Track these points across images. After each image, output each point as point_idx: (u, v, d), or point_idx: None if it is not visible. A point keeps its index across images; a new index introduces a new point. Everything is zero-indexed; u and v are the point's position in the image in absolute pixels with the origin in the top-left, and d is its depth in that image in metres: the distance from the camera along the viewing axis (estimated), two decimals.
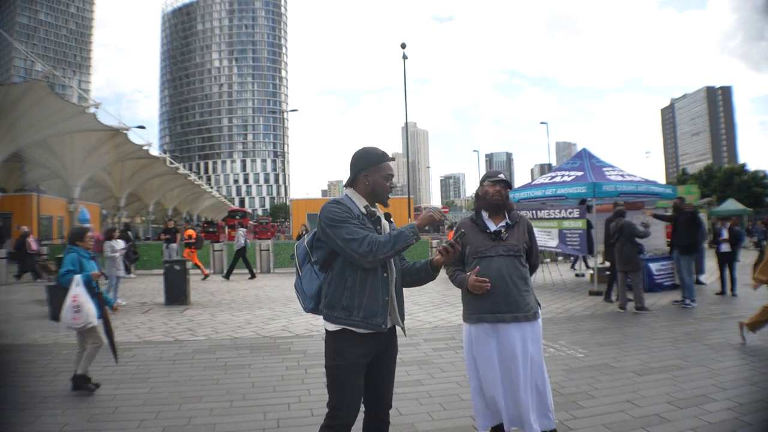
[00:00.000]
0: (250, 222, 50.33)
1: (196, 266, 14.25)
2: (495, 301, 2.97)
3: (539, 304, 3.15)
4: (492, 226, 3.12)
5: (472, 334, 3.07)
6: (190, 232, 14.90)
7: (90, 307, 4.42)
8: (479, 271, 2.95)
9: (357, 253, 2.22)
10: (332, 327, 2.33)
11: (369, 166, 2.40)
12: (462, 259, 3.16)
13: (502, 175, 3.16)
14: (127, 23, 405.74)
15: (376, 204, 2.50)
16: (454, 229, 3.07)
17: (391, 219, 2.57)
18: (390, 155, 2.50)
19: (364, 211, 2.38)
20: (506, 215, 3.16)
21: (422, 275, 2.53)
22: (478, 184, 3.27)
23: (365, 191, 2.42)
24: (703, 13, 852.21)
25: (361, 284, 2.30)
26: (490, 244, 3.06)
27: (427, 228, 2.49)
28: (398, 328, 2.51)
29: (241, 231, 14.79)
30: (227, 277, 14.28)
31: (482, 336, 3.02)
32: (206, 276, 14.48)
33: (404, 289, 2.59)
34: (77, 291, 4.39)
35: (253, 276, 14.36)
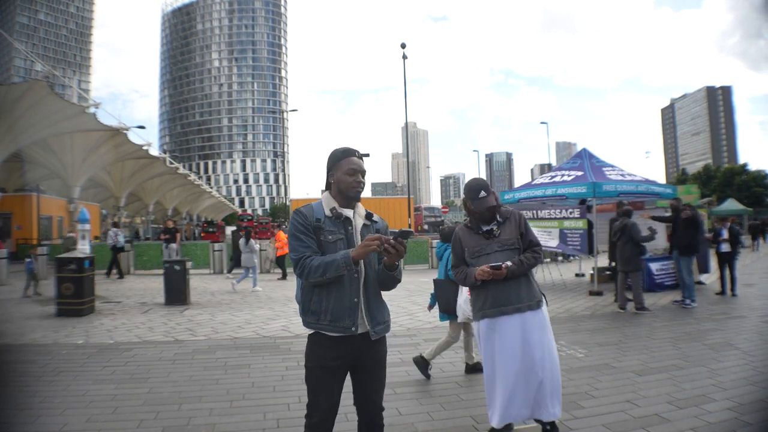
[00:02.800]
0: (254, 223, 50.30)
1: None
2: (496, 296, 3.11)
3: (543, 294, 3.26)
4: (484, 227, 3.25)
5: (481, 330, 3.21)
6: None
7: None
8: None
9: (294, 272, 2.34)
10: (308, 330, 2.39)
11: (333, 166, 2.43)
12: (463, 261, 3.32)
13: (483, 193, 3.17)
14: (125, 23, 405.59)
15: (358, 203, 2.47)
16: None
17: (374, 218, 2.50)
18: (363, 152, 2.47)
19: (329, 213, 2.38)
20: (496, 215, 3.27)
21: (383, 277, 2.41)
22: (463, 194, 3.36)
23: (335, 191, 2.44)
24: (699, 12, 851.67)
25: (328, 287, 2.31)
26: (485, 243, 3.21)
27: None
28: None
29: (114, 231, 14.88)
30: (108, 275, 14.39)
31: (489, 331, 3.15)
32: None
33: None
34: None
35: (109, 274, 14.36)
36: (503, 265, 3.02)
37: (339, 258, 2.23)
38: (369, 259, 2.39)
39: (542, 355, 3.07)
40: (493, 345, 3.13)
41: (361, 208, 2.49)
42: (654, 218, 9.93)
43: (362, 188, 2.43)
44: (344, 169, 2.40)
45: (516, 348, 3.05)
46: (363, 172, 2.43)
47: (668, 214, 9.92)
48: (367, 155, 2.66)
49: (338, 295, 2.31)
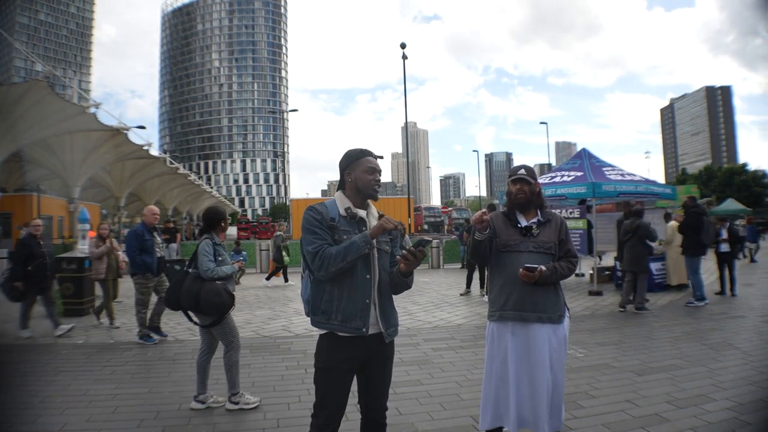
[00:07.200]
0: (251, 225, 51.94)
1: None
2: (520, 298, 2.88)
3: (567, 307, 3.03)
4: (523, 221, 3.02)
5: (494, 332, 3.00)
6: None
7: None
8: (508, 269, 2.89)
9: (311, 266, 2.29)
10: (319, 330, 2.37)
11: (350, 164, 2.43)
12: (490, 251, 3.03)
13: (523, 171, 3.01)
14: (119, 22, 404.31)
15: (369, 202, 2.48)
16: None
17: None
18: (377, 153, 2.47)
19: (344, 213, 2.37)
20: (538, 212, 3.04)
21: (396, 281, 2.42)
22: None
23: (352, 190, 2.43)
24: (693, 11, 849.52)
25: (339, 287, 2.30)
26: (520, 239, 2.96)
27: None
28: (399, 331, 2.48)
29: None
30: None
31: (502, 333, 2.95)
32: None
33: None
34: None
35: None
36: (538, 269, 2.78)
37: (357, 238, 2.24)
38: (382, 262, 2.40)
39: (548, 373, 2.84)
40: (506, 347, 2.91)
41: (373, 210, 2.49)
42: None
43: (380, 187, 2.45)
44: (363, 168, 2.40)
45: (527, 357, 2.86)
46: (380, 172, 2.46)
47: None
48: (381, 157, 2.62)
49: (350, 295, 2.30)
